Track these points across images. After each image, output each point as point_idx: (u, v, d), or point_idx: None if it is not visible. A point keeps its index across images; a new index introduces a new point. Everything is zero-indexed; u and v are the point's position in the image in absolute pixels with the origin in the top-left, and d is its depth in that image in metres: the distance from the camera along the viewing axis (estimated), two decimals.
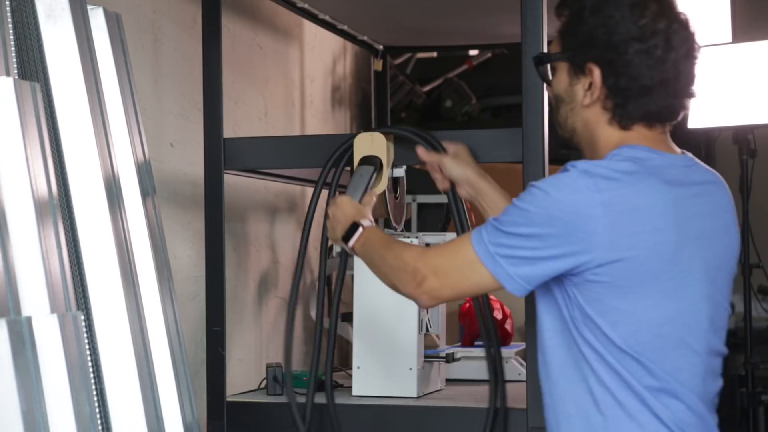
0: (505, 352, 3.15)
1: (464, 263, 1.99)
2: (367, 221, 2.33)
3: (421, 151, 2.62)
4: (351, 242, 2.30)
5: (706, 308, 1.97)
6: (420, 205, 3.56)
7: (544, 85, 2.16)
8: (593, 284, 1.91)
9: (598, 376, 1.93)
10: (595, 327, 1.92)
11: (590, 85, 1.99)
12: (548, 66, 2.09)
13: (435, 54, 5.01)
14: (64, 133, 2.23)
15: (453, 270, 2.02)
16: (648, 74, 1.94)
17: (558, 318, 1.98)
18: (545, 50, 2.49)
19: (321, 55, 4.20)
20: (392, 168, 2.77)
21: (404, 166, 2.83)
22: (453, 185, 2.60)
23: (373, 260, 2.22)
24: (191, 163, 3.14)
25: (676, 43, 1.95)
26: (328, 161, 2.74)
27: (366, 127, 4.41)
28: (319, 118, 4.16)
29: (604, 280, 1.90)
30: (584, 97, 2.00)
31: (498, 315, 3.38)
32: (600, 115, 2.00)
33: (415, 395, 2.91)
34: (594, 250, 1.89)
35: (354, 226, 2.31)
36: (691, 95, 2.00)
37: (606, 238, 1.88)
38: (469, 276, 1.99)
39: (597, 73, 1.97)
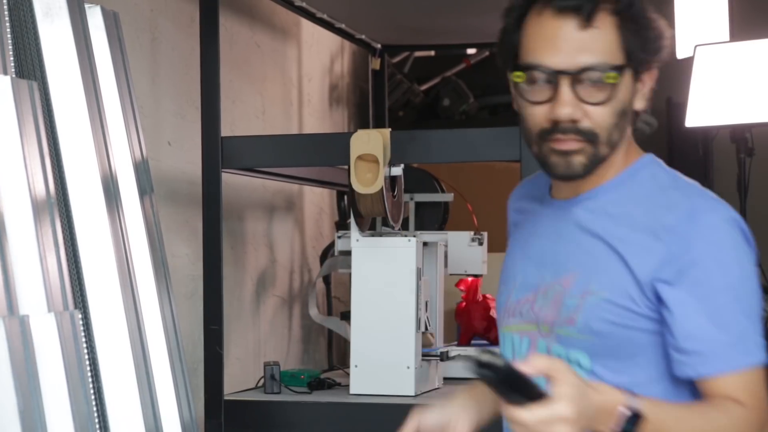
0: None
1: None
2: (626, 401, 1.58)
3: None
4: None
5: None
6: (418, 204, 3.55)
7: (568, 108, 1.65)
8: None
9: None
10: None
11: (640, 86, 1.74)
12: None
13: (433, 53, 5.00)
14: (61, 131, 2.23)
15: None
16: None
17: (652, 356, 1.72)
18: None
19: (319, 54, 4.19)
20: (390, 167, 2.77)
21: (402, 165, 2.83)
22: None
23: None
24: (189, 161, 3.14)
25: None
26: None
27: (363, 126, 4.41)
28: (317, 117, 4.16)
29: None
30: (638, 102, 1.74)
31: (495, 314, 3.38)
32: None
33: (413, 394, 2.90)
34: None
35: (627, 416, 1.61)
36: None
37: None
38: None
39: (656, 72, 1.75)
